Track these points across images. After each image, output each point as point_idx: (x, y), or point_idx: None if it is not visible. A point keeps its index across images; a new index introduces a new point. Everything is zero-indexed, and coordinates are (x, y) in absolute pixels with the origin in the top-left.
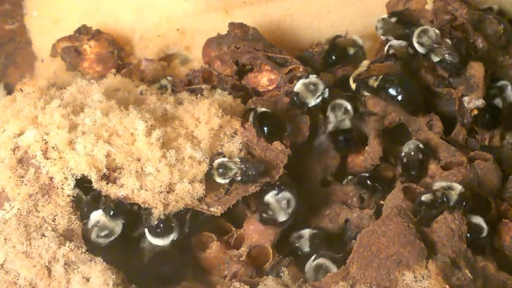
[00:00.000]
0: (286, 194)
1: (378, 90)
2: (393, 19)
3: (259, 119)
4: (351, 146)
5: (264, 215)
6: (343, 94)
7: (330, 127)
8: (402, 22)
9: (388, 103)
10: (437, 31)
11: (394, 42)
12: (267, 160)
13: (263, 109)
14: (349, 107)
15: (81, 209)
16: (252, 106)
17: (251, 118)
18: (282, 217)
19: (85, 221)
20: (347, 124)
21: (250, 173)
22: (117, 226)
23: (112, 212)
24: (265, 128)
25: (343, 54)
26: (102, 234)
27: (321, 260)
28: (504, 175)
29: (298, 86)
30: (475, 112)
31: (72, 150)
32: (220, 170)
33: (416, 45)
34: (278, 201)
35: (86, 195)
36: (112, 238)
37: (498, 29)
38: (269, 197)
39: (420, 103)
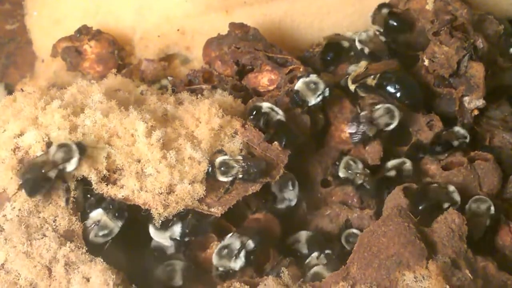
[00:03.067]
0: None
1: (376, 88)
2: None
3: (276, 127)
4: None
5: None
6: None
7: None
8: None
9: (388, 101)
10: None
11: (363, 35)
12: (268, 160)
13: (281, 118)
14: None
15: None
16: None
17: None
18: (237, 264)
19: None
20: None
21: (251, 171)
22: (116, 227)
23: (116, 213)
24: (284, 139)
25: (339, 48)
26: (101, 233)
27: (318, 269)
28: (504, 175)
29: (299, 84)
30: (476, 112)
31: None
32: (222, 168)
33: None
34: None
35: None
36: (109, 238)
37: (499, 29)
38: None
39: (419, 98)
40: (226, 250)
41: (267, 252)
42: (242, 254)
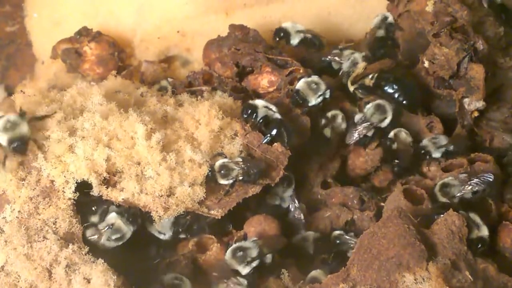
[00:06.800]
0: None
1: (374, 88)
2: None
3: (276, 126)
4: None
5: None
6: None
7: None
8: None
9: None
10: None
11: None
12: (268, 162)
13: (278, 116)
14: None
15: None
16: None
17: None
18: (245, 270)
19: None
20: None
21: (251, 171)
22: (129, 232)
23: (130, 218)
24: (285, 136)
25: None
26: (114, 237)
27: (315, 273)
28: (504, 176)
29: (300, 83)
30: (476, 113)
31: (72, 154)
32: (222, 171)
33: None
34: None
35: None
36: (120, 242)
37: (499, 31)
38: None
39: (417, 98)
40: (241, 253)
41: None
42: (255, 263)
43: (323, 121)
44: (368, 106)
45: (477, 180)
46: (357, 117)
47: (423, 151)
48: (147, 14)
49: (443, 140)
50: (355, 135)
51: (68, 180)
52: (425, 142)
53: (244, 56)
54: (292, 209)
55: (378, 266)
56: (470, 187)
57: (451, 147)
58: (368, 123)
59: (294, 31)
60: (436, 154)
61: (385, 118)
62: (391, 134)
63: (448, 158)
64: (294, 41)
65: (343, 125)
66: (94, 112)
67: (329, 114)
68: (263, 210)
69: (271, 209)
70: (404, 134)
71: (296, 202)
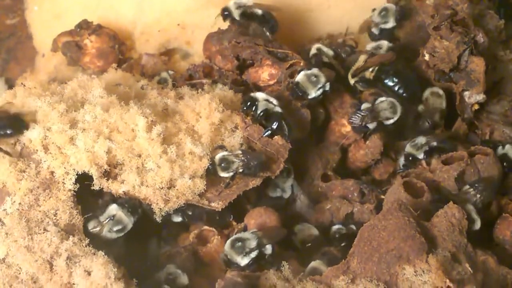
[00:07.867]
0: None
1: (375, 81)
2: None
3: (277, 119)
4: None
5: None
6: None
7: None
8: None
9: (385, 93)
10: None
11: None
12: (268, 155)
13: (279, 110)
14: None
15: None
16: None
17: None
18: (243, 261)
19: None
20: None
21: (251, 164)
22: (130, 223)
23: (131, 209)
24: (286, 129)
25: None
26: (115, 228)
27: (315, 264)
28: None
29: (300, 76)
30: (476, 107)
31: (73, 146)
32: (223, 164)
33: None
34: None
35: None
36: (122, 234)
37: (499, 24)
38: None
39: (416, 91)
40: (239, 243)
41: None
42: (254, 254)
43: None
44: (382, 99)
45: (481, 190)
46: (364, 105)
47: (410, 158)
48: (147, 7)
49: (421, 140)
50: (354, 118)
51: (68, 172)
52: (407, 149)
53: (244, 49)
54: (297, 198)
55: (378, 258)
56: (476, 197)
57: (434, 143)
58: (374, 112)
59: (235, 8)
60: (420, 156)
61: (392, 118)
62: (426, 93)
63: (440, 154)
64: (237, 17)
65: None
66: (95, 104)
67: None
68: (264, 202)
69: (272, 201)
70: (434, 99)
71: (299, 189)
